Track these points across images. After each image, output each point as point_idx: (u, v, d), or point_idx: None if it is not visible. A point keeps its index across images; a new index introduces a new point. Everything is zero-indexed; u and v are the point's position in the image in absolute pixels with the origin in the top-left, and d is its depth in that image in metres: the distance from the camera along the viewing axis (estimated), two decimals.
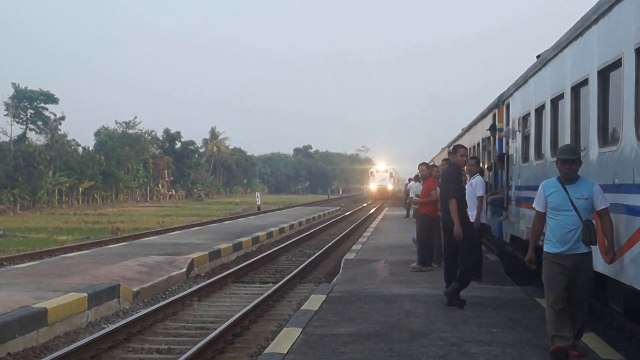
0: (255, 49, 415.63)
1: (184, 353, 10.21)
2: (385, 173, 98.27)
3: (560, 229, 8.14)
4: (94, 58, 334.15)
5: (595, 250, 8.63)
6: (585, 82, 9.77)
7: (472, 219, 12.95)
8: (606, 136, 9.01)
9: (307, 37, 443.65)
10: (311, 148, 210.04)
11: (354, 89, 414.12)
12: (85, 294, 13.32)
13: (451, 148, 13.64)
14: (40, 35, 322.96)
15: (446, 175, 12.52)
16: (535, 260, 8.50)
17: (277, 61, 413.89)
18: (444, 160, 18.94)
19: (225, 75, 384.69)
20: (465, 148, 13.79)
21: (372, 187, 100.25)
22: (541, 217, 8.49)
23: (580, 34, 10.01)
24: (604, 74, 8.99)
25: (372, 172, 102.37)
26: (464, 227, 11.87)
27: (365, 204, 79.22)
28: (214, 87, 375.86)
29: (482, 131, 20.92)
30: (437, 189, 16.50)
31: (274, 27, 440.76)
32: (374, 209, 62.35)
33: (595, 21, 9.26)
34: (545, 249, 8.40)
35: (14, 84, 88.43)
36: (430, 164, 20.20)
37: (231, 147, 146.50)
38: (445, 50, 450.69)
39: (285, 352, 8.61)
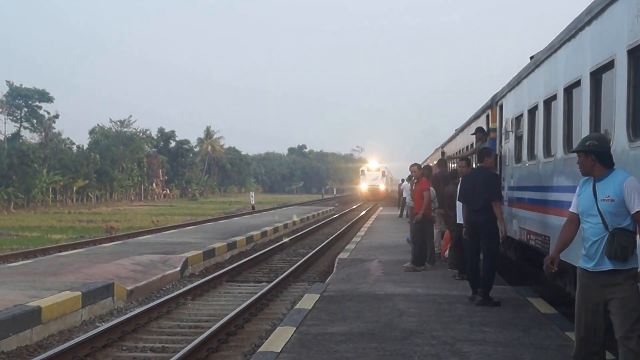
0: (250, 48, 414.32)
1: (178, 352, 10.23)
2: (377, 172, 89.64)
3: (586, 239, 6.52)
4: (89, 55, 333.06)
5: None
6: (578, 84, 9.79)
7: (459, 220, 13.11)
8: None
9: (302, 31, 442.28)
10: (305, 148, 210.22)
11: (348, 89, 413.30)
12: (80, 293, 13.33)
13: (480, 151, 13.56)
14: (35, 32, 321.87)
15: (484, 178, 12.42)
16: (557, 263, 6.80)
17: (271, 61, 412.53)
18: (437, 162, 18.99)
19: (220, 73, 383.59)
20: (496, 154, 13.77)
21: (363, 187, 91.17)
22: (571, 219, 6.80)
23: (574, 36, 10.04)
24: (597, 76, 9.02)
25: (362, 171, 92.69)
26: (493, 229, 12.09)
27: (357, 204, 76.94)
28: (209, 85, 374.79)
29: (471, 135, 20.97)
30: (432, 189, 16.58)
31: (273, 24, 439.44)
32: (368, 209, 62.16)
33: (588, 23, 9.29)
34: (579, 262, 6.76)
35: (8, 81, 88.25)
36: (423, 165, 20.23)
37: (226, 146, 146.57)
38: (445, 39, 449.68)
39: (278, 351, 8.63)
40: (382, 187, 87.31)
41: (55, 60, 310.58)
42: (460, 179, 13.97)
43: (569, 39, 10.33)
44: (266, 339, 9.74)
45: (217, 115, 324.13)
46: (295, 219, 42.75)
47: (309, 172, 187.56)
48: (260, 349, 8.97)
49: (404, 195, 23.91)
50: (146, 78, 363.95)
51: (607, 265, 6.31)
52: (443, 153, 34.07)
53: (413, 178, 17.29)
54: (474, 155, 16.93)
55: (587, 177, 6.64)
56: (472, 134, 18.96)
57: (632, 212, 6.23)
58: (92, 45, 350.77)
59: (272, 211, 56.75)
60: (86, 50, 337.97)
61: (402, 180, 37.05)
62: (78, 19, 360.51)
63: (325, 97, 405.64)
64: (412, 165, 16.97)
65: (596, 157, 6.47)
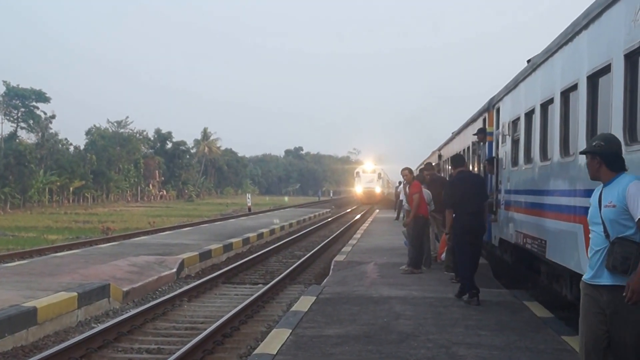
0: (248, 47, 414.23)
1: (174, 353, 10.23)
2: (373, 174, 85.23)
3: (590, 250, 5.89)
4: (88, 54, 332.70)
5: (583, 254, 8.49)
6: (574, 87, 9.78)
7: None
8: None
9: (298, 36, 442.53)
10: (302, 150, 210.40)
11: (345, 90, 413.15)
12: (75, 294, 13.31)
13: (456, 157, 14.00)
14: (33, 32, 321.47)
15: (478, 180, 12.96)
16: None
17: (269, 61, 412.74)
18: (426, 168, 18.96)
19: (217, 75, 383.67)
20: None
21: (358, 189, 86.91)
22: None
23: (571, 39, 10.03)
24: (594, 79, 9.01)
25: (357, 173, 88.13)
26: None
27: (353, 207, 75.57)
28: (206, 87, 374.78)
29: (472, 135, 20.99)
30: (428, 192, 16.60)
31: (269, 23, 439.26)
32: (364, 211, 62.05)
33: (585, 26, 9.29)
34: None
35: (5, 81, 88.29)
36: (422, 167, 20.25)
37: (222, 148, 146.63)
38: (442, 50, 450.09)
39: (274, 353, 8.63)
40: (377, 189, 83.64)
41: (52, 62, 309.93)
42: (449, 182, 14.15)
43: (566, 43, 10.32)
44: (262, 341, 9.77)
45: (214, 117, 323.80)
46: (292, 220, 42.75)
47: (306, 174, 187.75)
48: (255, 351, 8.97)
49: (401, 197, 23.83)
50: (144, 79, 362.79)
51: (606, 279, 5.66)
52: (440, 156, 34.11)
53: (404, 182, 17.22)
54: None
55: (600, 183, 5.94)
56: (474, 134, 19.00)
57: (635, 219, 5.49)
58: (87, 42, 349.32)
59: (269, 213, 56.74)
60: (82, 51, 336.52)
61: (399, 183, 36.91)
62: (76, 18, 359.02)
63: (320, 98, 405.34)
64: (403, 169, 16.73)
65: (602, 160, 5.82)
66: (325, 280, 15.94)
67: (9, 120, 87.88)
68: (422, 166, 25.19)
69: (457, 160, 13.89)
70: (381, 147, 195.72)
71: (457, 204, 12.71)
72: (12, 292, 13.24)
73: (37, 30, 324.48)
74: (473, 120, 20.96)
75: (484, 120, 18.37)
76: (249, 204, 63.01)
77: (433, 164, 22.63)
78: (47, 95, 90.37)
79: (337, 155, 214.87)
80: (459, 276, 13.41)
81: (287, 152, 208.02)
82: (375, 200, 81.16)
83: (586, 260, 8.38)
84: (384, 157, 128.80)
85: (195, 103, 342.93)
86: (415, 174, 17.44)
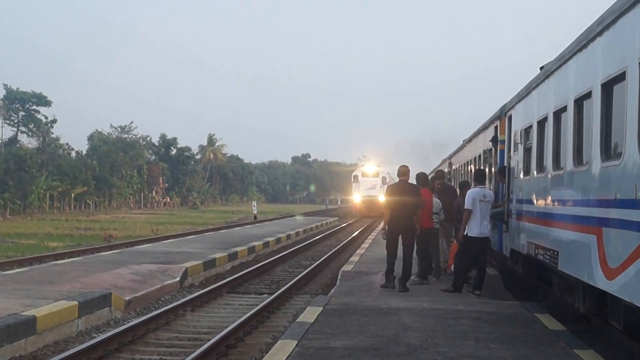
0: (254, 54, 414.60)
1: None
2: (376, 178, 68.08)
3: None
4: (88, 60, 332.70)
5: (597, 266, 8.56)
6: (588, 95, 9.66)
7: None
8: (609, 150, 8.89)
9: (306, 43, 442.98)
10: (309, 157, 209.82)
11: (353, 96, 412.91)
12: (76, 302, 13.08)
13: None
14: (33, 37, 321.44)
15: None
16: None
17: (275, 65, 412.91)
18: (437, 176, 18.69)
19: (223, 81, 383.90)
20: None
21: (356, 198, 69.99)
22: None
23: (585, 46, 9.91)
24: (608, 87, 8.88)
25: (356, 177, 70.42)
26: None
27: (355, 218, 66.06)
28: (211, 93, 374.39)
29: (483, 143, 20.80)
30: (437, 200, 16.36)
31: (275, 30, 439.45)
32: (373, 219, 61.01)
33: (600, 33, 9.15)
34: None
35: (5, 85, 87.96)
36: (432, 175, 20.00)
37: (228, 154, 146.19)
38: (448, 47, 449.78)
39: None
40: (382, 198, 66.68)
41: (53, 63, 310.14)
42: (468, 190, 14.29)
43: (579, 50, 10.18)
44: (267, 353, 9.57)
45: (220, 123, 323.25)
46: (299, 229, 42.50)
47: (313, 182, 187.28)
48: None
49: None
50: (144, 83, 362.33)
51: None
52: (450, 164, 33.86)
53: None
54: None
55: None
56: (490, 140, 18.80)
57: None
58: (88, 47, 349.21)
59: (275, 221, 56.47)
60: (87, 52, 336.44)
61: None
62: (81, 17, 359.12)
63: (331, 90, 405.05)
64: (418, 175, 16.60)
65: None
66: (332, 291, 15.71)
67: (9, 124, 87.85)
68: (432, 174, 24.90)
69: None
70: (390, 151, 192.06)
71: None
72: (11, 301, 13.02)
73: (37, 30, 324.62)
74: (484, 128, 20.73)
75: (496, 128, 18.16)
76: (255, 212, 62.64)
77: (445, 170, 22.50)
78: (48, 99, 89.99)
79: (345, 163, 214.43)
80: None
81: (295, 159, 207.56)
82: (379, 212, 65.45)
83: (600, 272, 8.26)
84: (391, 159, 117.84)
85: (201, 109, 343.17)
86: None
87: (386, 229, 15.19)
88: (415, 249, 15.57)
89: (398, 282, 14.83)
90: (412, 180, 15.61)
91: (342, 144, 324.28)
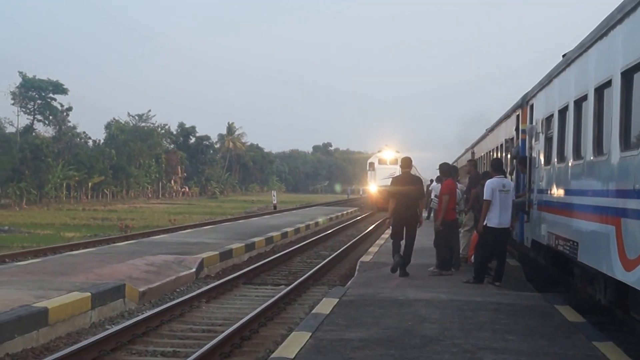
0: (275, 41, 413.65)
1: (190, 356, 9.91)
2: (394, 165, 53.91)
3: None
4: (106, 49, 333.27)
5: (615, 257, 8.49)
6: (609, 84, 9.49)
7: None
8: (628, 140, 8.70)
9: (328, 30, 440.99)
10: (331, 146, 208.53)
11: (376, 81, 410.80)
12: (89, 294, 12.96)
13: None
14: (50, 25, 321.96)
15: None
16: None
17: (295, 54, 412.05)
18: (468, 161, 18.62)
19: (242, 69, 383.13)
20: None
21: (372, 188, 61.43)
22: None
23: (605, 34, 9.76)
24: (628, 75, 8.68)
25: (371, 164, 62.34)
26: None
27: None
28: (231, 81, 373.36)
29: (505, 132, 20.53)
30: (459, 191, 16.20)
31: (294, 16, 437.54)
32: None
33: (620, 20, 8.99)
34: None
35: (21, 72, 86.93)
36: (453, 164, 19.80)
37: (248, 143, 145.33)
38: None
39: (292, 357, 8.36)
40: None
41: (70, 51, 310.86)
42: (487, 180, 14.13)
43: (600, 37, 10.02)
44: (281, 344, 9.41)
45: (240, 112, 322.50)
46: (319, 220, 42.17)
47: (335, 171, 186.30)
48: (273, 355, 8.73)
49: (432, 196, 22.91)
50: (167, 72, 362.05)
51: None
52: (473, 153, 33.48)
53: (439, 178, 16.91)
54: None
55: None
56: (515, 130, 18.58)
57: None
58: (106, 36, 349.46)
59: (295, 211, 56.15)
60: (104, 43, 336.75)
61: (431, 181, 34.61)
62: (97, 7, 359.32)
63: (353, 90, 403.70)
64: (441, 165, 16.82)
65: None
66: (349, 282, 15.52)
67: (25, 112, 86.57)
68: (456, 162, 24.79)
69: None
70: (415, 137, 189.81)
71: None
72: (23, 292, 12.93)
73: (51, 19, 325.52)
74: (507, 116, 20.45)
75: (517, 117, 17.88)
76: (275, 202, 62.31)
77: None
78: (64, 87, 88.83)
79: (367, 152, 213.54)
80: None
81: (316, 147, 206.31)
82: None
83: (619, 263, 8.08)
84: (418, 146, 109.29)
85: (220, 97, 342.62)
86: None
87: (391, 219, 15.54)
88: (433, 240, 15.76)
89: (399, 258, 15.37)
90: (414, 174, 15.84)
91: (364, 133, 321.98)
